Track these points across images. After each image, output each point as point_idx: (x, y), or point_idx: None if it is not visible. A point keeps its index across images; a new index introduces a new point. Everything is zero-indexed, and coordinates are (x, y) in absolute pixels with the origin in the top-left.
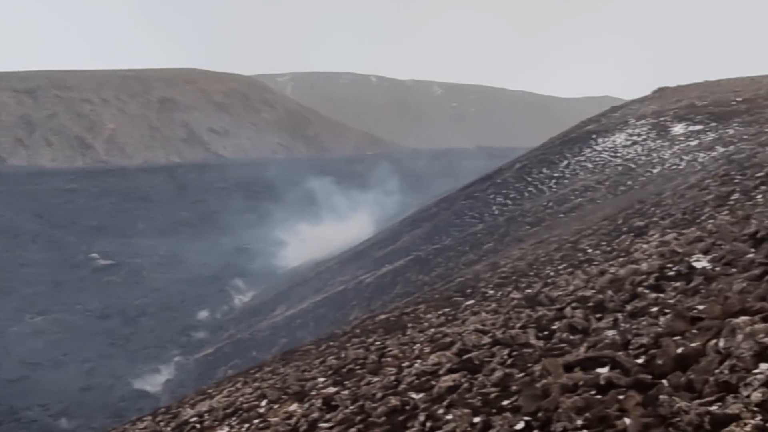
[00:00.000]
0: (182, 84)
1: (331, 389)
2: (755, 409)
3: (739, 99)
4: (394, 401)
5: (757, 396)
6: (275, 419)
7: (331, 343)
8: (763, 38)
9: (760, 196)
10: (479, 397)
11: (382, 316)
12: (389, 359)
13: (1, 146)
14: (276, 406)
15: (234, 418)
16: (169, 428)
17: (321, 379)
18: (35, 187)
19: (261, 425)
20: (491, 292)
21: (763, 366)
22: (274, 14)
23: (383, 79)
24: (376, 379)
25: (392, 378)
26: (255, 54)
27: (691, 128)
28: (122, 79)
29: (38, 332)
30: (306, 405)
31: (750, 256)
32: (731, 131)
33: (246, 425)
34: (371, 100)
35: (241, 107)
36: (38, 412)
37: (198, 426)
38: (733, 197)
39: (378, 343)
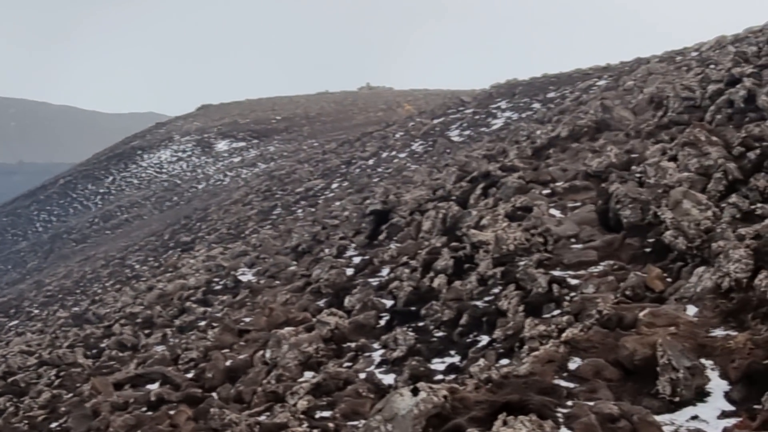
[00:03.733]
0: None
1: None
2: (302, 416)
3: (278, 117)
4: None
5: (303, 404)
6: None
7: None
8: (301, 60)
9: (300, 210)
10: (26, 421)
11: None
12: None
13: None
14: None
15: None
16: None
17: None
18: None
19: None
20: (36, 311)
21: (307, 374)
22: None
23: None
24: None
25: None
26: None
27: (234, 145)
28: None
29: None
30: None
31: (292, 268)
32: (272, 148)
33: None
34: None
35: None
36: None
37: None
38: (275, 212)
39: None
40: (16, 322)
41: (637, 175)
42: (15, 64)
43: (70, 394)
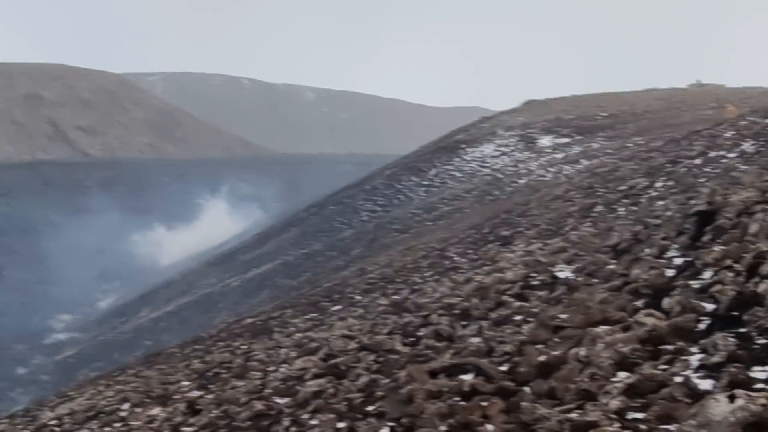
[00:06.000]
0: (48, 80)
1: (196, 393)
2: (613, 416)
3: (603, 114)
4: (258, 406)
5: (615, 404)
6: (137, 423)
7: (197, 347)
8: (628, 56)
9: (621, 209)
10: (344, 403)
11: (249, 320)
12: (255, 363)
13: None
14: (138, 410)
15: (95, 422)
16: (27, 431)
17: (185, 383)
18: None
19: (122, 429)
20: (358, 297)
21: (621, 374)
22: (145, 11)
23: (255, 81)
24: (241, 383)
25: (257, 382)
26: (124, 51)
27: (557, 141)
28: None
29: None
30: (169, 409)
31: (611, 267)
32: (596, 145)
33: (107, 429)
34: (242, 103)
35: (109, 105)
36: None
37: (57, 429)
38: (596, 209)
39: (244, 347)
40: (339, 307)
41: None
42: (348, 58)
43: (387, 380)
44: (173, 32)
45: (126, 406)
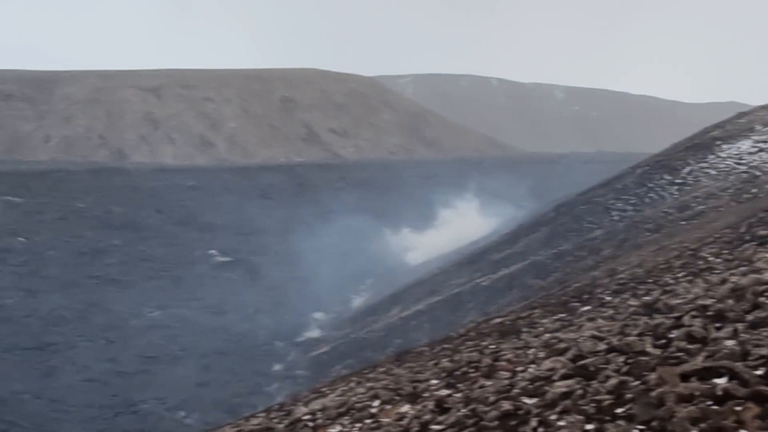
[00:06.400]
0: (303, 84)
1: (444, 391)
2: None
3: None
4: (506, 405)
5: None
6: (387, 420)
7: (445, 346)
8: None
9: None
10: (593, 404)
11: (497, 320)
12: (503, 363)
13: (125, 143)
14: (388, 407)
15: (346, 418)
16: (282, 425)
17: (434, 381)
18: (157, 184)
19: (373, 425)
20: (608, 298)
21: None
22: (395, 15)
23: (504, 81)
24: (489, 382)
25: (505, 382)
26: (375, 55)
27: None
28: (244, 79)
29: (156, 326)
30: (418, 406)
31: None
32: None
33: (358, 425)
34: (491, 103)
35: (360, 108)
36: (154, 404)
37: (311, 424)
38: None
39: (492, 346)
40: (588, 307)
41: None
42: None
43: (637, 382)
44: (423, 34)
45: (376, 402)
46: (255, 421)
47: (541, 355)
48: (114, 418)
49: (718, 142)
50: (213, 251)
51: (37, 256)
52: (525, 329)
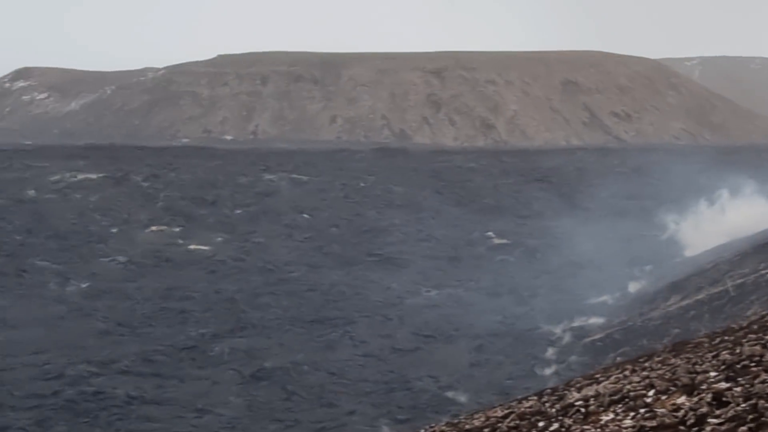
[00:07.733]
0: (585, 67)
1: (723, 385)
2: None
3: None
4: None
5: None
6: (662, 410)
7: (726, 338)
8: None
9: None
10: None
11: None
12: None
13: (407, 124)
14: (663, 397)
15: (620, 406)
16: (553, 409)
17: (712, 374)
18: (437, 165)
19: (647, 415)
20: None
21: None
22: None
23: None
24: None
25: None
26: (662, 37)
27: None
28: (526, 61)
29: (432, 305)
30: (695, 399)
31: None
32: None
33: (632, 413)
34: None
35: (644, 91)
36: (428, 382)
37: (583, 410)
38: None
39: None
40: None
41: None
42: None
43: None
44: (713, 15)
45: (651, 392)
46: (527, 404)
47: None
48: (388, 394)
49: None
50: (490, 233)
51: (320, 233)
52: None
